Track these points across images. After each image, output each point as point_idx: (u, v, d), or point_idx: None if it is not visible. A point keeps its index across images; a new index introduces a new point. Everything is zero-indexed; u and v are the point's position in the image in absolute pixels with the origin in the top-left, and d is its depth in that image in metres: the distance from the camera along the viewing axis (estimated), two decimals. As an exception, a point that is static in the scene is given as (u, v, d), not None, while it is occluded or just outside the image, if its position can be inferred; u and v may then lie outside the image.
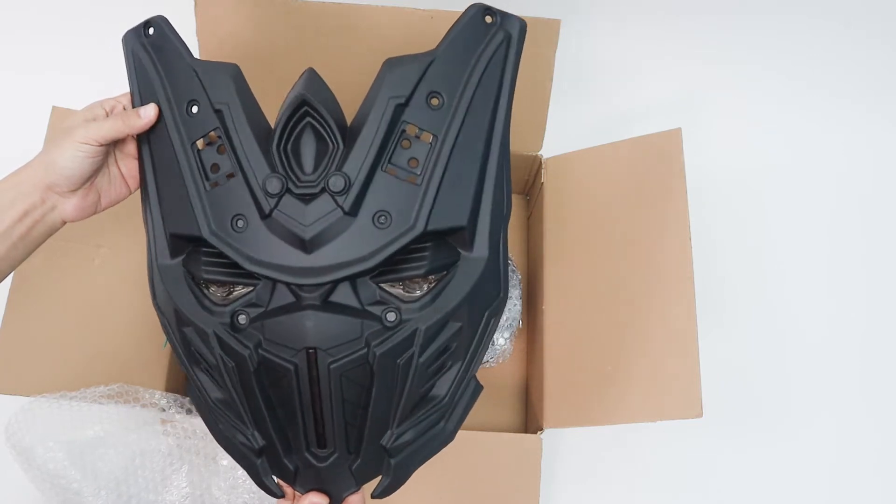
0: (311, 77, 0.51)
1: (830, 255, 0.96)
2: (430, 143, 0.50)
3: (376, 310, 0.50)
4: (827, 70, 1.05)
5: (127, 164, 0.57)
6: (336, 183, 0.48)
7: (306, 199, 0.49)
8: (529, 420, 0.83)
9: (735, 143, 1.00)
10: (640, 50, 1.05)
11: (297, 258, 0.49)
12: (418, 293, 0.52)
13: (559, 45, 0.73)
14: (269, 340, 0.50)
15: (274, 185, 0.49)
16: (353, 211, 0.49)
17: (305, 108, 0.50)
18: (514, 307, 0.81)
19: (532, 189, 0.89)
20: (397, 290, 0.52)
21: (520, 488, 0.70)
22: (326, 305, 0.49)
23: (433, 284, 0.51)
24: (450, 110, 0.50)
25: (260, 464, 0.54)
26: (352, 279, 0.50)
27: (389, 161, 0.50)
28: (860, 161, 1.00)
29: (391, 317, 0.50)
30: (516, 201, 0.94)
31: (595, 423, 0.72)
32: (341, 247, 0.49)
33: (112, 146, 0.55)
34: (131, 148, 0.56)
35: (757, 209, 0.97)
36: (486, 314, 0.52)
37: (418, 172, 0.50)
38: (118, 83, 0.99)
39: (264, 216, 0.50)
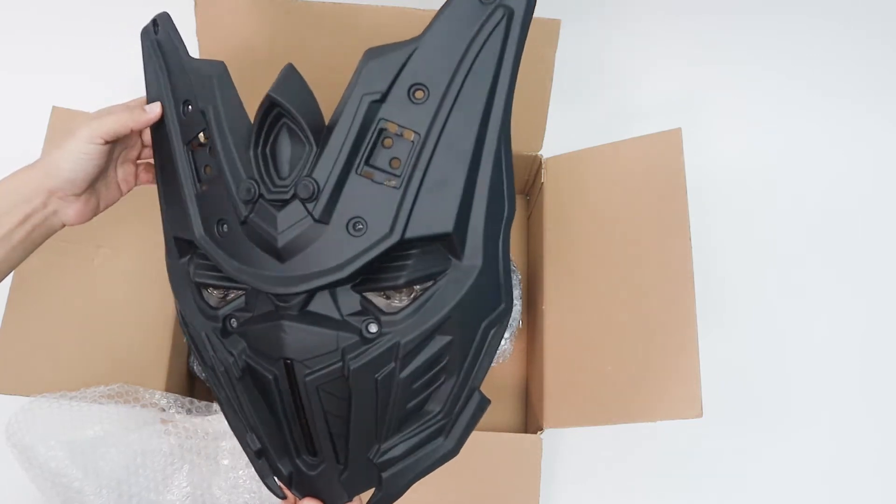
0: (285, 75, 0.48)
1: (831, 255, 0.96)
2: (412, 142, 0.45)
3: (356, 321, 0.47)
4: (827, 70, 1.05)
5: (124, 169, 0.57)
6: (304, 189, 0.45)
7: (278, 205, 0.46)
8: (529, 420, 0.83)
9: (735, 143, 1.01)
10: (640, 50, 1.05)
11: (272, 266, 0.47)
12: (397, 304, 0.48)
13: (559, 45, 0.73)
14: (252, 348, 0.50)
15: (246, 191, 0.47)
16: (325, 218, 0.45)
17: (278, 108, 0.47)
18: (514, 307, 0.81)
19: (532, 189, 0.89)
20: (381, 301, 0.49)
21: (520, 488, 0.70)
22: (303, 315, 0.47)
23: (418, 295, 0.47)
24: (435, 104, 0.45)
25: (261, 464, 0.54)
26: (330, 289, 0.47)
27: (366, 163, 0.45)
28: (860, 161, 1.00)
29: (372, 328, 0.46)
30: (517, 201, 0.94)
31: (595, 423, 0.72)
32: (314, 255, 0.46)
33: (115, 147, 0.55)
34: (132, 153, 0.57)
35: (757, 209, 0.98)
36: (483, 326, 0.48)
37: (399, 174, 0.45)
38: (118, 83, 0.99)
39: (241, 222, 0.48)
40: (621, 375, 0.70)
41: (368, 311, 0.47)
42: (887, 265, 0.96)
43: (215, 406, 0.70)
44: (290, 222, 0.46)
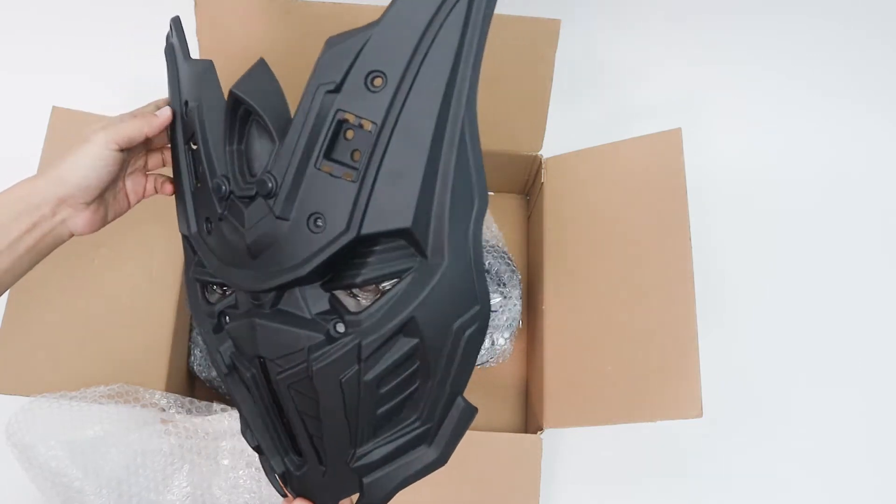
0: (252, 69, 0.47)
1: (830, 255, 0.96)
2: (371, 132, 0.43)
3: (325, 320, 0.46)
4: (827, 70, 1.05)
5: (133, 179, 0.57)
6: (262, 185, 0.44)
7: (245, 202, 0.46)
8: (529, 420, 0.83)
9: (735, 143, 1.01)
10: (640, 49, 1.05)
11: (245, 262, 0.47)
12: (365, 303, 0.46)
13: (559, 45, 0.73)
14: (235, 345, 0.50)
15: (217, 188, 0.47)
16: (286, 214, 0.44)
17: (244, 105, 0.46)
18: (514, 307, 0.81)
19: (532, 189, 0.89)
20: (351, 300, 0.47)
21: (520, 488, 0.70)
22: (274, 314, 0.47)
23: (383, 294, 0.45)
24: (392, 91, 0.42)
25: (264, 460, 0.54)
26: (296, 286, 0.46)
27: (325, 156, 0.43)
28: (860, 161, 1.00)
29: (339, 328, 0.45)
30: (517, 201, 0.94)
31: (595, 423, 0.72)
32: (279, 252, 0.45)
33: (127, 154, 0.55)
34: (140, 162, 0.57)
35: (757, 209, 0.98)
36: (456, 328, 0.44)
37: (358, 167, 0.43)
38: (118, 83, 0.99)
39: (219, 219, 0.48)
40: (621, 375, 0.70)
41: (337, 310, 0.46)
42: (887, 264, 0.96)
43: (215, 406, 0.70)
44: (255, 219, 0.45)
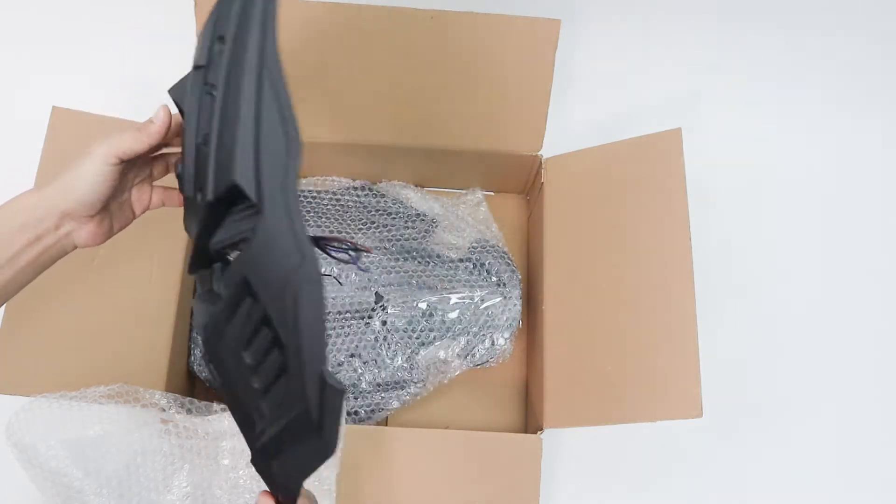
0: (189, 73, 0.48)
1: (831, 255, 0.96)
2: (216, 97, 0.43)
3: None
4: (826, 71, 1.05)
5: (138, 189, 0.56)
6: (175, 167, 0.48)
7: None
8: (529, 420, 0.83)
9: (735, 143, 1.01)
10: (640, 50, 1.05)
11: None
12: None
13: (560, 45, 0.73)
14: None
15: (177, 176, 0.50)
16: (188, 191, 0.47)
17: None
18: (514, 307, 0.81)
19: (532, 189, 0.89)
20: None
21: (520, 488, 0.70)
22: (206, 293, 0.48)
23: None
24: (228, 54, 0.43)
25: None
26: (214, 263, 0.48)
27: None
28: (861, 161, 1.00)
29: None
30: (517, 201, 0.94)
31: (595, 423, 0.72)
32: (194, 229, 0.48)
33: (130, 167, 0.54)
34: (146, 172, 0.56)
35: (757, 209, 0.98)
36: (286, 288, 0.39)
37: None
38: (118, 83, 0.99)
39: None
40: (621, 375, 0.70)
41: None
42: (887, 265, 0.96)
43: (215, 406, 0.70)
44: (186, 201, 0.49)
